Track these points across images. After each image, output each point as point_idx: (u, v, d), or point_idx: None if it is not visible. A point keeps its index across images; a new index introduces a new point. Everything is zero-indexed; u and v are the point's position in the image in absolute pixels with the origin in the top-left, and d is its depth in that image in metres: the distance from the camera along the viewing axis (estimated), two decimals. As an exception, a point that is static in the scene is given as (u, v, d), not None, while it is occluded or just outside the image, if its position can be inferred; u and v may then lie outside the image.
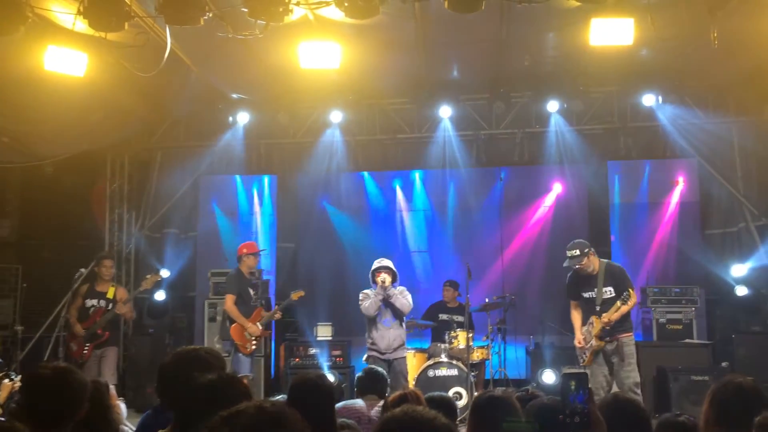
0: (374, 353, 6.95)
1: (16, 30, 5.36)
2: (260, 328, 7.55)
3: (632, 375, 6.40)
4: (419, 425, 1.87)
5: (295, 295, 7.75)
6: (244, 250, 7.67)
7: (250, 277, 7.71)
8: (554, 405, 2.59)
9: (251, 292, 7.64)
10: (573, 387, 2.24)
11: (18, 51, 6.07)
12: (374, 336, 7.00)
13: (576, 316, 6.74)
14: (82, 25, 5.38)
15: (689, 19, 5.30)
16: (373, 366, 5.18)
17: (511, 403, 2.93)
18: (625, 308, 6.39)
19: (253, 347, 7.50)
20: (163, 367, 3.05)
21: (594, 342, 6.45)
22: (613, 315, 6.36)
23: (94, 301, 7.54)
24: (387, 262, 7.09)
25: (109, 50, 5.94)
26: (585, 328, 6.59)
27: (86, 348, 7.38)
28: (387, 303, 7.01)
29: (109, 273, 7.72)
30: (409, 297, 7.16)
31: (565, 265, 6.63)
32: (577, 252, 6.50)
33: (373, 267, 7.10)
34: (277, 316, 7.90)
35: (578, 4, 5.12)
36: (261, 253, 7.93)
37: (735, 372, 6.68)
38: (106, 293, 7.58)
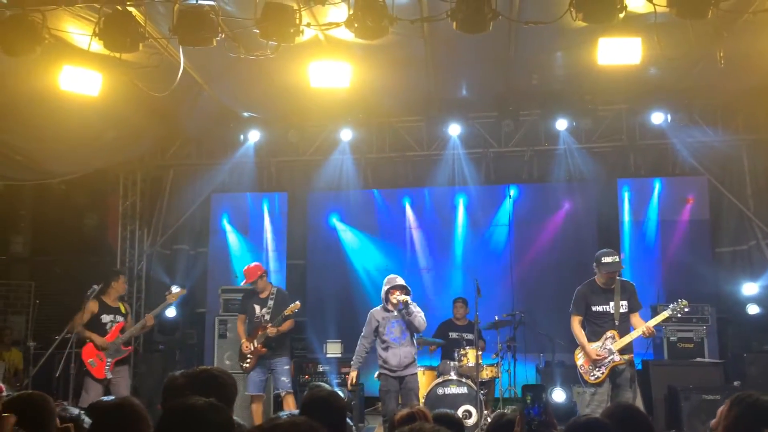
0: (385, 371, 6.78)
1: (32, 50, 5.45)
2: (255, 345, 7.48)
3: (636, 396, 6.41)
4: None
5: (288, 310, 7.43)
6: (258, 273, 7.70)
7: (261, 295, 7.68)
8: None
9: (257, 309, 7.64)
10: (529, 400, 2.29)
11: (34, 71, 6.18)
12: (385, 354, 6.76)
13: (581, 331, 6.50)
14: (97, 46, 5.47)
15: (696, 39, 5.32)
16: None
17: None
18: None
19: (246, 365, 7.50)
20: (174, 385, 3.07)
21: (617, 357, 6.26)
22: (654, 323, 6.31)
23: (111, 317, 7.41)
24: (400, 280, 6.81)
25: (123, 70, 6.05)
26: (600, 343, 6.33)
27: (108, 364, 7.22)
28: (404, 321, 6.76)
29: (124, 289, 7.74)
30: (423, 314, 6.86)
31: (610, 269, 6.25)
32: (617, 258, 6.33)
33: (388, 286, 6.76)
34: (271, 332, 7.41)
35: (585, 24, 5.15)
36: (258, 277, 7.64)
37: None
38: (119, 308, 7.53)
